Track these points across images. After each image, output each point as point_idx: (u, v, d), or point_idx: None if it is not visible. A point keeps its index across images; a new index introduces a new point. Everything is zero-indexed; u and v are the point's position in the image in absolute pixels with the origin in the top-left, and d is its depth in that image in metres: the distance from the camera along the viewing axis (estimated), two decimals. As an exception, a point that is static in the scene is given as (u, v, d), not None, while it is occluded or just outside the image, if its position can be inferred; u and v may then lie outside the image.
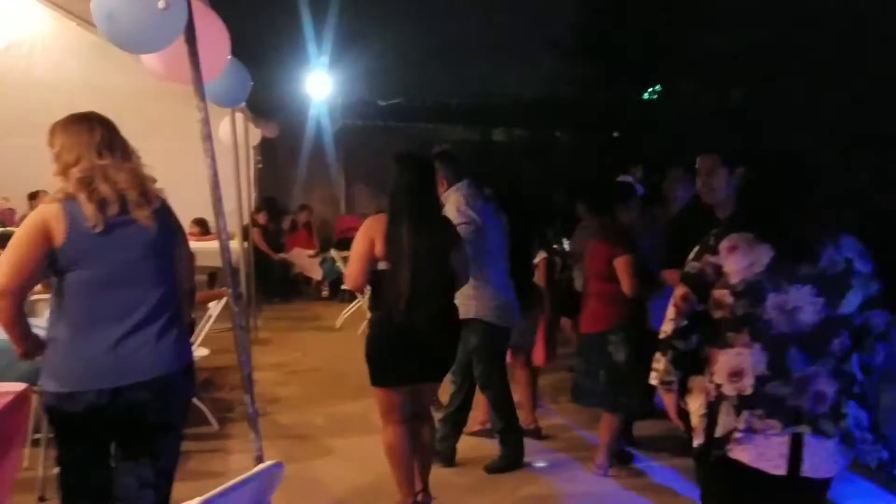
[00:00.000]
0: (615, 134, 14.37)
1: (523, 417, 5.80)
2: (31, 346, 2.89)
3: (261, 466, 2.24)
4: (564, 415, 6.27)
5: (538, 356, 5.89)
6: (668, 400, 2.93)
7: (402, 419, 4.15)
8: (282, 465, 2.34)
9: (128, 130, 11.18)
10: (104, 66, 9.53)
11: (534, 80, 14.77)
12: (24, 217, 8.51)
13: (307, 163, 14.76)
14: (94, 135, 3.08)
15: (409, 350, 4.01)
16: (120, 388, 2.80)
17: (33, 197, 9.25)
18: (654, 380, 2.92)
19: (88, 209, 2.82)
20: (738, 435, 2.68)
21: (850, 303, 2.67)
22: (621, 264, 4.76)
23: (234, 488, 2.05)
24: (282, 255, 12.46)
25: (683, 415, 2.90)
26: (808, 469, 2.66)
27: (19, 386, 3.23)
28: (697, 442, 2.79)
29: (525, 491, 4.85)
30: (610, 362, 4.82)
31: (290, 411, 6.30)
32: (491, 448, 5.32)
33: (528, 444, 5.41)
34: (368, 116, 15.75)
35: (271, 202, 13.01)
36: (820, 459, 2.66)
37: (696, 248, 2.82)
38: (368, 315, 4.28)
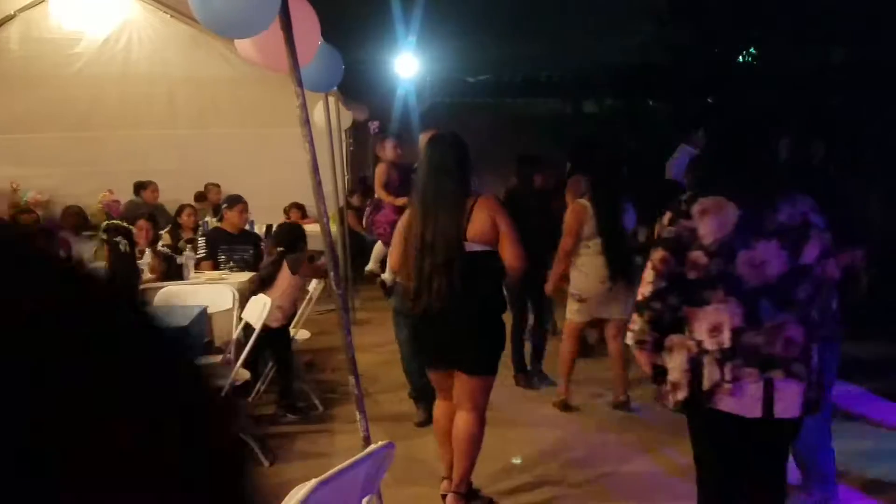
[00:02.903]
0: (710, 100, 13.97)
1: (614, 390, 5.81)
2: None
3: (373, 447, 2.25)
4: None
5: None
6: (641, 358, 3.13)
7: (442, 397, 4.30)
8: (393, 445, 2.34)
9: (225, 119, 11.41)
10: (200, 56, 9.76)
11: (625, 48, 14.44)
12: (127, 207, 8.84)
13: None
14: None
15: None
16: None
17: (140, 187, 9.55)
18: (629, 340, 3.12)
19: None
20: (725, 386, 2.89)
21: (810, 254, 2.90)
22: None
23: (349, 468, 2.06)
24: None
25: (659, 371, 3.10)
26: (780, 411, 2.90)
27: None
28: (682, 395, 3.00)
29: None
30: None
31: (391, 391, 6.34)
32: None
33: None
34: (457, 94, 15.71)
35: (364, 183, 13.12)
36: (789, 402, 2.90)
37: (669, 215, 3.01)
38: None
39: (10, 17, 9.59)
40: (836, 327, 3.31)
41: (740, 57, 14.16)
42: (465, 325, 3.97)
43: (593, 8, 14.95)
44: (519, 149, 7.72)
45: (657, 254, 3.01)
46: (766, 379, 2.89)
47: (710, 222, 2.90)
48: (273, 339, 5.56)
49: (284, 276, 5.75)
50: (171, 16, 9.65)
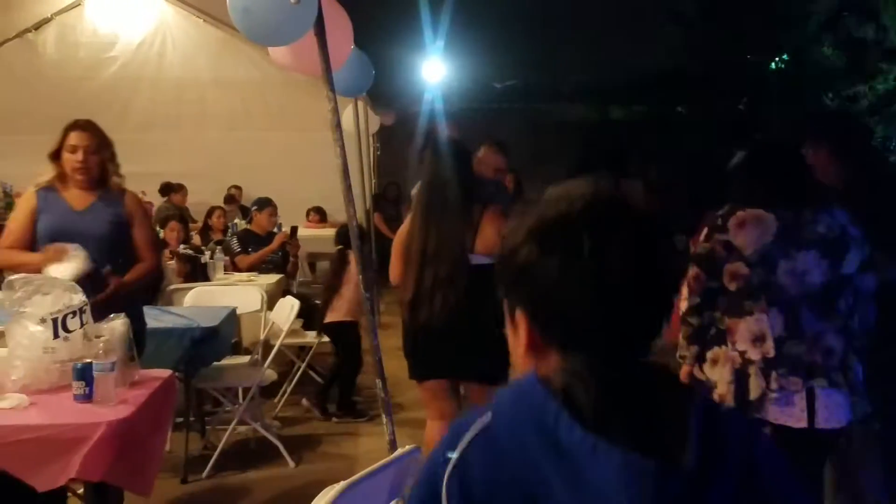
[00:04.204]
0: (740, 106, 13.87)
1: None
2: None
3: (400, 451, 2.27)
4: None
5: None
6: (683, 371, 3.14)
7: (436, 416, 4.02)
8: (419, 450, 2.36)
9: (254, 122, 11.45)
10: (231, 60, 9.86)
11: (654, 53, 14.38)
12: (160, 210, 8.94)
13: (423, 148, 14.85)
14: None
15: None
16: None
17: (167, 189, 9.66)
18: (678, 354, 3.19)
19: None
20: (771, 395, 2.90)
21: (850, 263, 2.92)
22: None
23: (377, 472, 2.08)
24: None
25: (697, 384, 3.09)
26: (822, 421, 2.88)
27: (165, 372, 3.37)
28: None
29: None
30: None
31: (412, 394, 6.36)
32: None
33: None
34: (484, 99, 15.71)
35: (392, 188, 13.18)
36: (831, 411, 2.89)
37: (706, 230, 3.07)
38: None
39: (46, 20, 9.72)
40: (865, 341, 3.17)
41: (773, 64, 14.04)
42: (473, 338, 3.73)
43: (622, 13, 14.91)
44: (546, 154, 7.71)
45: (691, 271, 3.07)
46: (808, 388, 2.89)
47: (749, 233, 2.94)
48: (342, 332, 5.80)
49: (352, 271, 5.90)
50: (204, 20, 9.76)
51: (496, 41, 15.06)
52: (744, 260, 2.94)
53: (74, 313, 3.03)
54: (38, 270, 3.42)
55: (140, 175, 9.43)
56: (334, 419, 5.81)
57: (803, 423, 2.88)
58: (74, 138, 3.75)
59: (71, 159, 3.75)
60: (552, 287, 1.08)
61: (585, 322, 1.08)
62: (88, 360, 2.89)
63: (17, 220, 3.79)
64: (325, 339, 6.21)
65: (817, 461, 3.06)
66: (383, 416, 3.69)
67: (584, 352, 1.08)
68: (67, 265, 3.53)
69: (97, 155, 3.77)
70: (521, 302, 1.13)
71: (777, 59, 13.74)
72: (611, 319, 1.08)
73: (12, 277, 3.11)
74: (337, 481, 2.01)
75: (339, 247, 6.20)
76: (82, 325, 3.06)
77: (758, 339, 2.94)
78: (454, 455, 1.07)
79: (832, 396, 2.89)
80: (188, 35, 10.01)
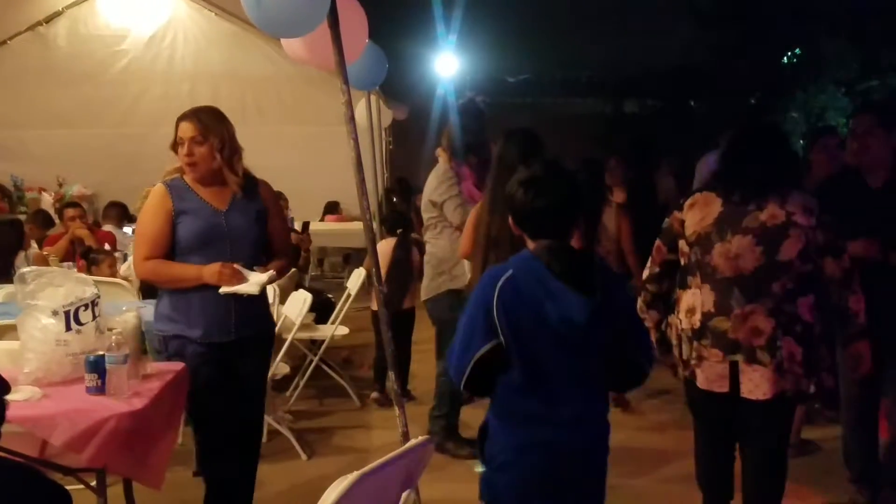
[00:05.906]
0: (752, 101, 13.81)
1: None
2: None
3: (413, 442, 2.26)
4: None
5: None
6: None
7: None
8: (431, 441, 2.35)
9: (267, 116, 11.44)
10: (244, 54, 9.85)
11: (667, 48, 14.34)
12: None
13: (436, 143, 14.84)
14: None
15: None
16: None
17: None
18: None
19: None
20: (692, 362, 3.21)
21: (788, 251, 3.06)
22: None
23: (387, 464, 2.07)
24: (414, 234, 12.59)
25: (664, 347, 3.39)
26: (746, 391, 3.12)
27: (178, 365, 3.36)
28: (679, 369, 3.32)
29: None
30: None
31: (425, 386, 6.35)
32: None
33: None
34: (497, 93, 15.68)
35: (403, 183, 13.15)
36: (755, 385, 3.10)
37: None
38: None
39: (58, 14, 9.74)
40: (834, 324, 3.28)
41: (785, 58, 13.97)
42: None
43: (635, 8, 14.85)
44: (558, 148, 7.67)
45: (657, 242, 3.38)
46: (731, 361, 3.12)
47: (694, 215, 3.20)
48: (404, 320, 5.93)
49: (416, 257, 6.07)
50: (216, 14, 9.76)
51: (509, 35, 15.03)
52: (685, 238, 3.22)
53: (87, 306, 3.03)
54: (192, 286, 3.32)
55: (152, 170, 9.50)
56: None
57: (725, 389, 3.15)
58: (180, 130, 3.38)
59: (180, 153, 3.38)
60: (528, 207, 2.47)
61: (543, 224, 2.46)
62: (101, 353, 2.89)
63: (156, 224, 3.36)
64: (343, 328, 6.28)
65: (763, 432, 3.25)
66: (396, 408, 3.68)
67: (544, 239, 2.46)
68: (253, 281, 3.33)
69: (204, 145, 3.35)
70: (514, 214, 2.53)
71: (790, 52, 13.68)
72: (555, 223, 2.46)
73: (24, 270, 3.11)
74: (349, 473, 1.99)
75: (400, 230, 6.18)
76: (94, 317, 3.06)
77: (690, 312, 3.21)
78: (497, 288, 2.38)
79: (755, 371, 3.09)
80: (201, 29, 10.01)
